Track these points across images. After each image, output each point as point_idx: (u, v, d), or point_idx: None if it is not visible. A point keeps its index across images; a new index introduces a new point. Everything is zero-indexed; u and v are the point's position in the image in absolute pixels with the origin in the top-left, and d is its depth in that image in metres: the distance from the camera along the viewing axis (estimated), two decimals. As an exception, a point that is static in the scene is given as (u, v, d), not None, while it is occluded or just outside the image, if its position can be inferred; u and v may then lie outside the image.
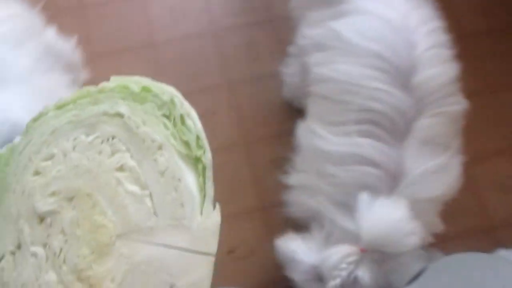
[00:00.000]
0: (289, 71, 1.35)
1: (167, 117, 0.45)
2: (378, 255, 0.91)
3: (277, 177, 1.31)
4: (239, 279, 1.24)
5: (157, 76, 1.43)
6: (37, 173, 0.42)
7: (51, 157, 0.42)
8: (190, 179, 0.43)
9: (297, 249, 0.99)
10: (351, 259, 0.90)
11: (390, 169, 0.91)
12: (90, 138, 0.43)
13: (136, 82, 0.45)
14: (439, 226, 0.98)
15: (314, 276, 0.97)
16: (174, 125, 0.44)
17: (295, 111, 1.41)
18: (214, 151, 1.33)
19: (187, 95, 1.40)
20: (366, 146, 0.91)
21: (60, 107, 0.44)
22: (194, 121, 0.45)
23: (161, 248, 0.40)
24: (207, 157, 0.43)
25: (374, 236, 0.88)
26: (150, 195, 0.42)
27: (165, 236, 0.40)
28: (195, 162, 0.43)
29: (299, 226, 1.09)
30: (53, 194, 0.41)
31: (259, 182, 1.35)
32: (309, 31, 1.06)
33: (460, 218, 1.24)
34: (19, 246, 0.40)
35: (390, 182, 0.92)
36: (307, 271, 0.98)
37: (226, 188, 1.33)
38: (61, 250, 0.39)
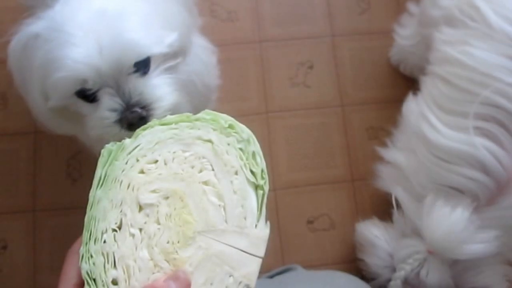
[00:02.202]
0: (404, 32, 1.22)
1: (242, 151, 0.56)
2: (447, 258, 0.88)
3: (371, 149, 1.24)
4: (313, 251, 1.19)
5: (256, 8, 1.42)
6: (142, 172, 0.54)
7: (154, 162, 0.54)
8: (252, 200, 0.55)
9: (379, 235, 0.98)
10: (417, 256, 0.89)
11: (501, 180, 0.82)
12: (186, 154, 0.55)
13: (225, 119, 0.56)
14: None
15: (389, 264, 0.96)
16: (247, 158, 0.56)
17: (401, 77, 1.31)
18: (306, 110, 1.27)
19: (286, 40, 1.34)
20: (482, 148, 0.82)
21: (164, 124, 0.55)
22: (261, 158, 0.56)
23: (227, 246, 0.53)
24: (266, 187, 0.56)
25: (434, 239, 0.85)
26: (224, 207, 0.55)
27: (231, 238, 0.54)
28: (257, 188, 0.56)
29: (385, 205, 1.03)
30: (153, 191, 0.53)
31: (351, 151, 1.26)
32: (442, 0, 0.92)
33: None
34: (120, 227, 0.52)
35: (494, 192, 0.84)
36: (383, 258, 0.96)
37: (315, 152, 1.26)
38: (154, 235, 0.52)
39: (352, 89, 1.31)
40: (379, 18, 1.36)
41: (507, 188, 0.82)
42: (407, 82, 1.28)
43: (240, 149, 0.56)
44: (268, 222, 0.55)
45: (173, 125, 0.55)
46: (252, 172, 0.55)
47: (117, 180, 0.52)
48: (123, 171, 0.53)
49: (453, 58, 0.86)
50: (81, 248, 0.51)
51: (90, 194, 0.52)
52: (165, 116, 0.61)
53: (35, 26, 0.69)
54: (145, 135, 0.55)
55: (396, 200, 0.96)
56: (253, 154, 0.55)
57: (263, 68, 1.32)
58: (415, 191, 0.91)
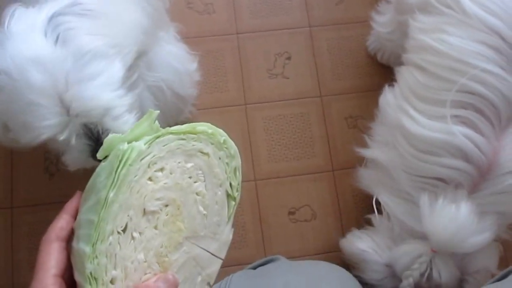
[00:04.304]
0: (381, 19, 1.21)
1: (228, 165, 0.61)
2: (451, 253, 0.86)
3: (350, 138, 1.25)
4: (295, 242, 1.20)
5: (234, 2, 1.41)
6: (150, 179, 0.55)
7: (162, 170, 0.56)
8: (226, 210, 0.62)
9: (367, 249, 0.95)
10: (422, 259, 0.87)
11: (483, 166, 0.82)
12: (188, 165, 0.58)
13: (220, 134, 0.60)
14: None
15: (388, 274, 0.94)
16: (230, 172, 0.61)
17: (378, 66, 1.32)
18: (285, 101, 1.27)
19: (263, 32, 1.34)
20: (461, 136, 0.81)
21: (174, 133, 0.57)
22: (240, 173, 0.62)
23: (202, 250, 0.59)
24: (238, 199, 0.62)
25: (442, 240, 0.83)
26: (207, 215, 0.60)
27: (206, 243, 0.60)
28: (231, 199, 0.62)
29: (366, 194, 1.03)
30: (158, 199, 0.56)
31: (330, 141, 1.26)
32: (417, -15, 0.92)
33: None
34: (124, 230, 0.53)
35: (477, 179, 0.83)
36: (380, 270, 0.93)
37: (295, 142, 1.26)
38: (152, 239, 0.55)
39: (330, 79, 1.31)
40: (355, 8, 1.36)
41: (489, 174, 0.82)
42: (385, 71, 1.29)
43: (227, 163, 0.61)
44: (233, 228, 0.62)
45: (181, 135, 0.58)
46: (231, 185, 0.62)
47: (129, 185, 0.54)
48: (135, 176, 0.54)
49: (429, 46, 0.86)
50: (84, 246, 0.52)
51: (102, 193, 0.52)
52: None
53: None
54: (158, 143, 0.56)
55: (378, 204, 0.95)
56: (235, 169, 0.62)
57: (241, 60, 1.31)
58: (400, 189, 0.90)
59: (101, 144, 0.67)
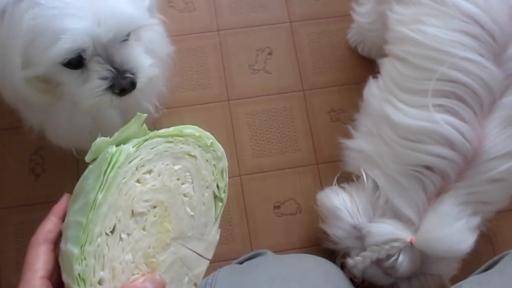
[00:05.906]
0: (361, 10, 1.21)
1: (215, 167, 0.62)
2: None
3: (333, 131, 1.25)
4: (281, 236, 1.20)
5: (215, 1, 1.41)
6: (138, 181, 0.56)
7: (150, 172, 0.57)
8: (213, 211, 0.63)
9: (341, 207, 0.94)
10: (396, 244, 0.86)
11: (467, 153, 0.83)
12: (176, 167, 0.59)
13: (208, 136, 0.62)
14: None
15: (353, 235, 0.93)
16: (217, 174, 0.62)
17: (359, 59, 1.33)
18: (267, 96, 1.28)
19: (244, 28, 1.34)
20: (445, 124, 0.82)
21: (162, 136, 0.58)
22: (227, 174, 0.63)
23: (189, 250, 0.60)
24: (225, 200, 0.63)
25: (431, 245, 0.84)
26: (194, 216, 0.61)
27: (193, 244, 0.61)
28: (218, 201, 0.63)
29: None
30: (146, 201, 0.56)
31: (314, 135, 1.27)
32: (393, -26, 0.93)
33: None
34: (113, 231, 0.54)
35: (463, 166, 0.84)
36: (346, 229, 0.93)
37: (278, 137, 1.26)
38: (140, 240, 0.56)
39: (312, 73, 1.32)
40: (335, 2, 1.37)
41: (474, 161, 0.83)
42: (366, 64, 1.30)
43: (214, 165, 0.62)
44: (220, 229, 0.63)
45: (169, 138, 0.59)
46: (218, 186, 0.63)
47: (118, 187, 0.54)
48: (124, 179, 0.55)
49: (408, 37, 0.86)
50: (72, 247, 0.52)
51: (90, 195, 0.53)
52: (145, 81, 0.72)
53: None
54: (146, 146, 0.57)
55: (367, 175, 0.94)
56: (222, 170, 0.63)
57: (223, 56, 1.32)
58: (392, 176, 0.90)
59: (123, 73, 0.72)
